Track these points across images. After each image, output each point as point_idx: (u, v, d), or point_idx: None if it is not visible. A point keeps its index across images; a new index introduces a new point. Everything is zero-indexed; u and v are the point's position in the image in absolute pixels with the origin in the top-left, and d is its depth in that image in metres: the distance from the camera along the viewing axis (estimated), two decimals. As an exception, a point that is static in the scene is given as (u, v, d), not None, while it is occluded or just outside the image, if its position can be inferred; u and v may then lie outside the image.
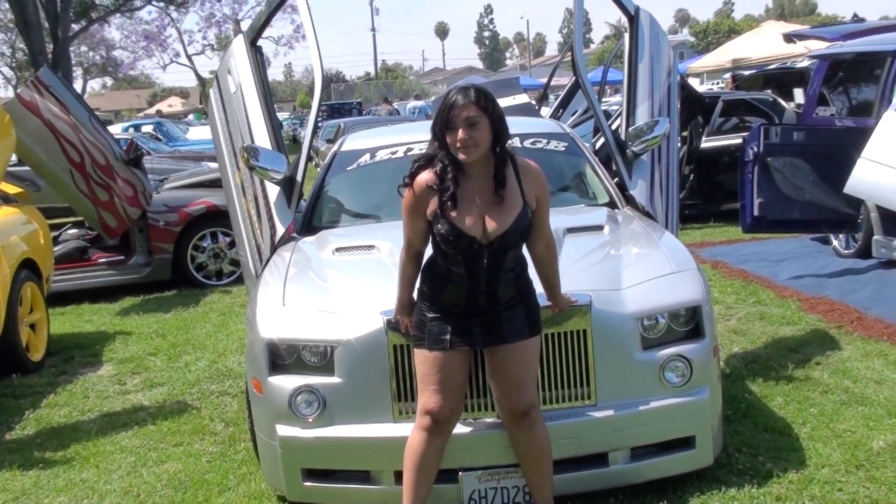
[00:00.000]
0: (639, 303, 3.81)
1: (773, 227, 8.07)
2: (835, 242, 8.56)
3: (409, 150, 5.30)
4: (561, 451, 3.62)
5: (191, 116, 49.00)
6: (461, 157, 3.27)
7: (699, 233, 10.44)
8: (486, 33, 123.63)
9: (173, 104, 62.49)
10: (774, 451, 4.16)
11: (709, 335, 3.89)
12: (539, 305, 3.50)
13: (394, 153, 5.37)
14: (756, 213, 7.65)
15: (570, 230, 4.42)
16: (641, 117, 5.24)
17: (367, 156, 5.44)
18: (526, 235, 3.39)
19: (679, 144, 11.25)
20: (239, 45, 5.33)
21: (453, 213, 3.30)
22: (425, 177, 3.36)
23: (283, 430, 3.73)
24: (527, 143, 5.34)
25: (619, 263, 4.10)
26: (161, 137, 24.29)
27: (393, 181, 5.45)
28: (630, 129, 5.14)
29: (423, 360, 3.41)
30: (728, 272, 8.20)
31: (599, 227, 4.53)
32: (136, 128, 25.56)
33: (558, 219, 4.59)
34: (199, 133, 26.93)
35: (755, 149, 7.60)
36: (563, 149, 5.42)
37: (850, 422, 4.45)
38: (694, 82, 28.18)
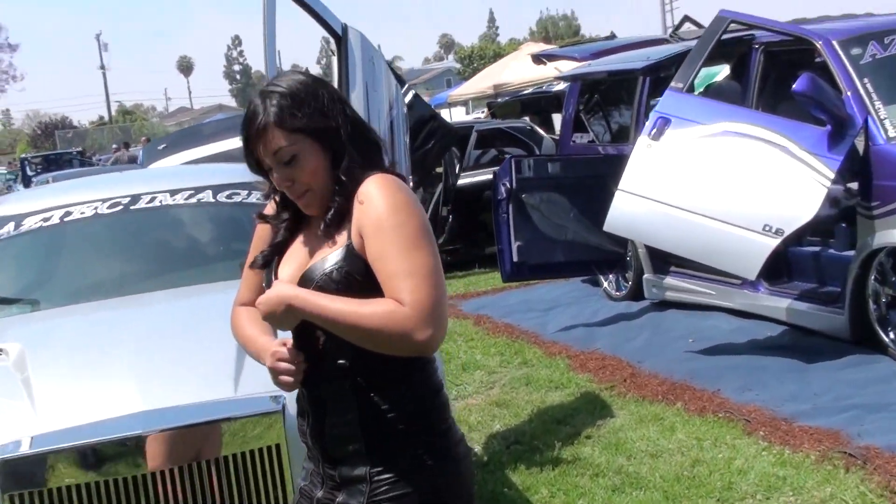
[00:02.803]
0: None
1: (535, 273, 7.79)
2: (605, 284, 8.41)
3: (68, 214, 4.48)
4: None
5: None
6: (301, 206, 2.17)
7: (462, 282, 10.09)
8: (237, 66, 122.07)
9: None
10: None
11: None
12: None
13: (46, 220, 4.51)
14: (515, 258, 7.32)
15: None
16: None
17: (11, 225, 4.54)
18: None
19: (432, 185, 10.98)
20: None
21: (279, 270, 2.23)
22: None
23: None
24: (221, 197, 4.67)
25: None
26: None
27: (48, 254, 4.74)
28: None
29: None
30: (493, 328, 7.82)
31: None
32: None
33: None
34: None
35: (507, 185, 7.29)
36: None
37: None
38: (459, 111, 28.64)
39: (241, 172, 5.24)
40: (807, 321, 6.33)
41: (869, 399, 5.02)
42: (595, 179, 7.38)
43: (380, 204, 2.01)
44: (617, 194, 6.29)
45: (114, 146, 32.00)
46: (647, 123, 6.43)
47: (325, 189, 2.10)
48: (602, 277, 8.37)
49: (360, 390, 2.07)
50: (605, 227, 6.36)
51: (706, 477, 4.33)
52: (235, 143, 7.36)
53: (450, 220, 10.72)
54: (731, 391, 5.43)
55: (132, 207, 4.56)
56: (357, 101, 4.73)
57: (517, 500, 4.29)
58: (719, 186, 5.99)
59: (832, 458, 4.35)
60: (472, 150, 11.25)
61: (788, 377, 5.57)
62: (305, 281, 2.09)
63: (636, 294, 7.95)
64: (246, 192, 4.77)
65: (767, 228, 5.77)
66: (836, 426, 4.69)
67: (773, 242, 5.71)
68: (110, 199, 4.59)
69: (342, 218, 2.10)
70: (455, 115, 25.76)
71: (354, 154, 2.09)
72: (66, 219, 4.50)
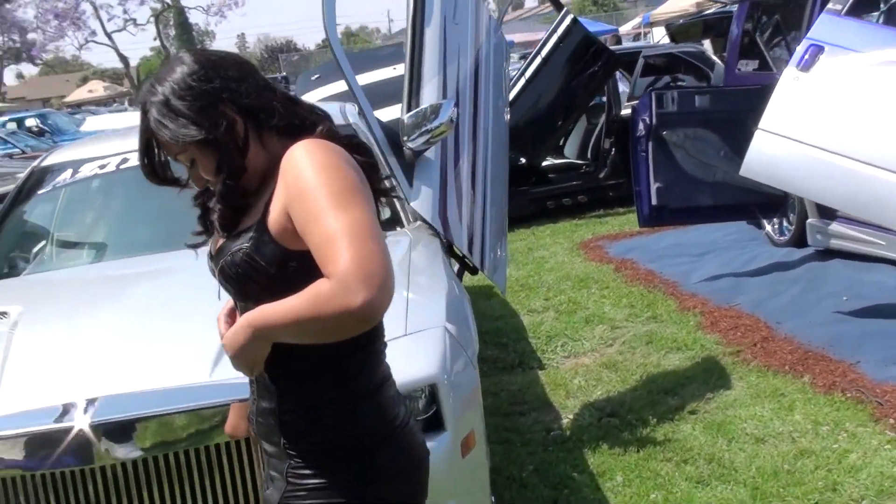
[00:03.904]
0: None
1: (678, 218, 7.15)
2: (768, 228, 7.64)
3: (125, 161, 4.35)
4: None
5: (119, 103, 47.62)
6: None
7: (620, 220, 9.51)
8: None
9: (94, 89, 60.96)
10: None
11: (452, 426, 2.93)
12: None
13: (102, 167, 4.40)
14: (654, 201, 6.73)
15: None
16: (427, 100, 4.25)
17: (69, 172, 4.46)
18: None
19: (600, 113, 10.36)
20: None
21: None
22: None
23: None
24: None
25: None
26: (47, 130, 23.14)
27: (101, 206, 4.63)
28: (406, 116, 4.16)
29: None
30: (633, 275, 7.27)
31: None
32: (19, 122, 24.36)
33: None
34: (100, 123, 25.75)
35: (647, 121, 6.67)
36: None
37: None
38: (660, 33, 27.28)
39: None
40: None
41: None
42: (750, 113, 6.60)
43: (300, 167, 1.71)
44: (757, 134, 5.58)
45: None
46: (796, 52, 5.64)
47: (253, 173, 1.84)
48: (765, 220, 7.61)
49: (281, 379, 1.81)
50: (742, 172, 5.67)
51: (809, 473, 3.75)
52: (388, 72, 7.01)
53: (612, 152, 10.11)
54: (871, 364, 4.73)
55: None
56: (431, 36, 4.32)
57: (584, 487, 3.87)
58: (878, 126, 5.18)
59: (967, 459, 3.67)
60: (639, 77, 10.53)
61: (946, 350, 4.81)
62: (222, 275, 1.84)
63: (799, 240, 7.16)
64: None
65: (927, 175, 4.95)
66: (983, 417, 3.97)
67: (938, 192, 4.90)
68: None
69: (259, 197, 1.83)
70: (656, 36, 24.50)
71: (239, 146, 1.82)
72: (122, 166, 4.37)
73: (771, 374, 4.86)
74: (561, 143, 11.08)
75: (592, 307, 6.51)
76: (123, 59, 54.31)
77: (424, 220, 4.10)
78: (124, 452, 2.62)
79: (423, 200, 4.09)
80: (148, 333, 3.16)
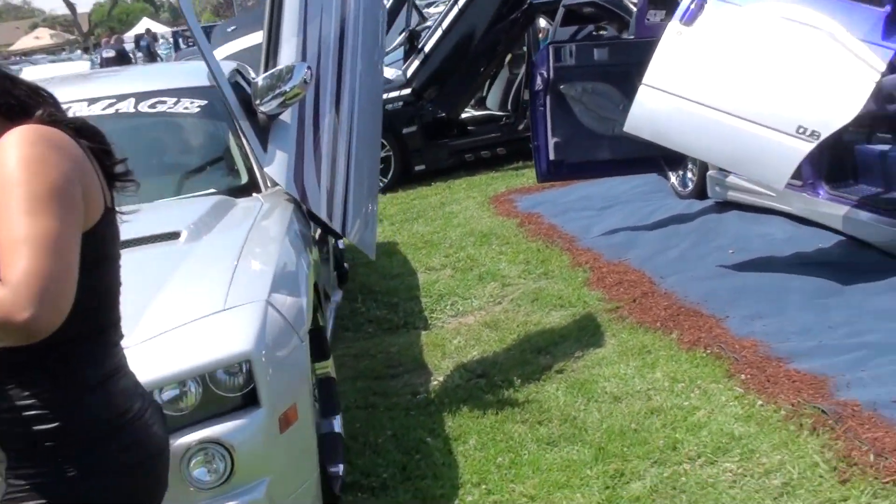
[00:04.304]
0: (153, 366, 2.84)
1: (575, 172, 7.18)
2: (672, 180, 7.69)
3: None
4: None
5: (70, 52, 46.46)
6: None
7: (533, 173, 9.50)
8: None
9: (41, 36, 59.64)
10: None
11: (268, 402, 2.94)
12: None
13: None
14: (552, 156, 6.74)
15: (122, 244, 3.44)
16: (284, 61, 4.21)
17: None
18: None
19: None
20: None
21: None
22: None
23: None
24: (143, 106, 4.35)
25: (154, 300, 3.13)
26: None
27: None
28: (259, 78, 4.12)
29: None
30: (535, 230, 7.30)
31: (173, 236, 3.55)
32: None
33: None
34: (39, 73, 25.20)
35: (545, 74, 6.65)
36: (197, 111, 4.41)
37: (532, 481, 3.58)
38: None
39: (171, 76, 4.91)
40: (864, 233, 5.55)
41: (886, 337, 4.31)
42: (645, 67, 6.61)
43: (5, 160, 1.63)
44: (641, 89, 5.59)
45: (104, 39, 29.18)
46: (681, 5, 5.62)
47: None
48: (671, 172, 7.66)
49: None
50: (626, 128, 5.68)
51: (655, 431, 3.82)
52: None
53: (531, 104, 10.08)
54: (738, 320, 4.81)
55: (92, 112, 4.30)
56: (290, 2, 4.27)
57: (436, 451, 3.91)
58: (752, 81, 5.19)
59: (803, 414, 3.74)
60: (559, 27, 10.45)
61: (812, 304, 4.88)
62: None
63: (701, 192, 7.23)
64: (174, 99, 4.44)
65: (801, 130, 4.98)
66: (828, 371, 4.04)
67: (807, 147, 4.94)
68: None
69: None
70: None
71: None
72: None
73: (642, 330, 4.93)
74: (483, 94, 11.05)
75: (489, 264, 6.54)
76: (70, 5, 53.19)
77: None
78: None
79: (277, 165, 4.07)
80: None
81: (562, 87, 6.71)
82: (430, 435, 4.06)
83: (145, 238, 3.51)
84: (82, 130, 1.80)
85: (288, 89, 4.03)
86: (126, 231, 3.58)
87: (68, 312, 1.59)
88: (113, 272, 1.85)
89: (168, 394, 2.86)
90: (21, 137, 1.65)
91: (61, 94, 2.15)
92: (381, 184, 9.52)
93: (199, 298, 3.12)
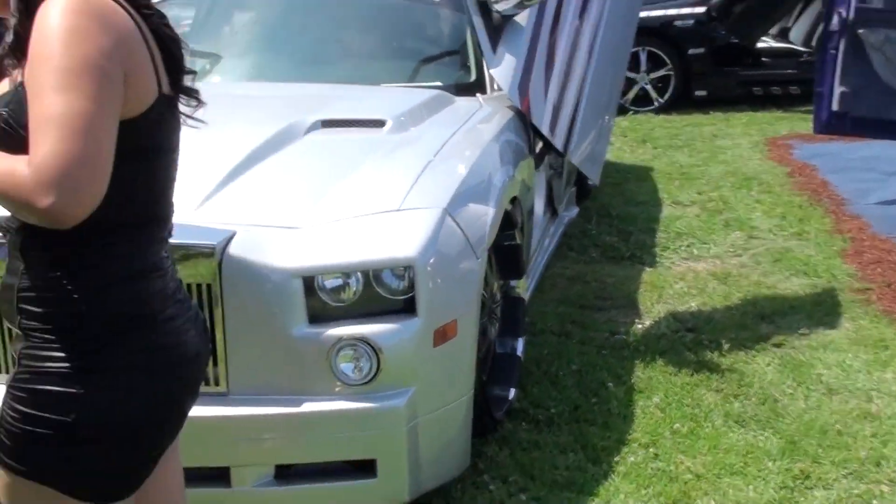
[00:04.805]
0: (311, 252, 2.77)
1: (860, 128, 6.41)
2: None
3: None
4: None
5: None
6: None
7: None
8: None
9: None
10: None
11: (425, 313, 2.80)
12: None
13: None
14: (836, 107, 6.06)
15: (327, 124, 3.39)
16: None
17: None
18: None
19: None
20: None
21: None
22: None
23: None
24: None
25: (336, 186, 3.04)
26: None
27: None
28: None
29: None
30: (804, 184, 6.70)
31: (378, 124, 3.44)
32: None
33: (328, 103, 3.62)
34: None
35: (843, 14, 5.94)
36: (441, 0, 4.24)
37: (705, 458, 3.26)
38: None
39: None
40: None
41: None
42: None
43: (42, 29, 1.48)
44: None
45: None
46: None
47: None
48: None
49: (25, 251, 1.64)
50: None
51: (860, 439, 3.38)
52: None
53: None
54: None
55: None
56: None
57: (614, 400, 3.65)
58: None
59: None
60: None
61: None
62: None
63: None
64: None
65: None
66: None
67: None
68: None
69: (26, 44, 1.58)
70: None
71: None
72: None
73: (887, 321, 4.38)
74: (789, 24, 10.19)
75: (740, 211, 6.07)
76: None
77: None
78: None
79: (503, 69, 3.85)
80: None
81: (861, 30, 5.97)
82: (614, 380, 3.81)
83: (350, 121, 3.45)
84: (142, 9, 1.62)
85: (524, -10, 3.78)
86: (336, 110, 3.57)
87: (99, 201, 1.46)
88: (163, 165, 1.68)
89: (330, 282, 2.79)
90: (62, 5, 1.49)
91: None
92: (657, 103, 9.10)
93: (378, 193, 3.01)
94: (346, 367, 2.76)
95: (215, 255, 2.67)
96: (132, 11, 1.56)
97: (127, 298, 1.64)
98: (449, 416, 2.98)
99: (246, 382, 2.75)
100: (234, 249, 2.70)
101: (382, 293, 2.80)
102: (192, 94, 1.71)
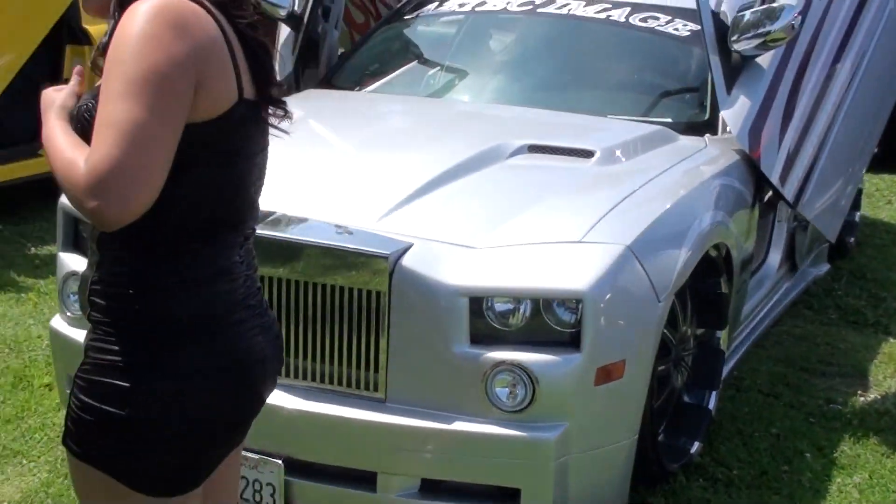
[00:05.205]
0: (482, 273, 2.79)
1: None
2: None
3: (482, 3, 4.43)
4: (318, 452, 2.87)
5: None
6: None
7: None
8: None
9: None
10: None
11: (589, 349, 2.75)
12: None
13: (462, 5, 4.51)
14: None
15: (534, 149, 3.40)
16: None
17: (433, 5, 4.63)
18: None
19: None
20: None
21: None
22: None
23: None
24: (634, 19, 4.18)
25: (524, 210, 3.04)
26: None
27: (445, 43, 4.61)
28: (747, 12, 3.70)
29: None
30: None
31: (587, 154, 3.40)
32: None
33: (543, 129, 3.64)
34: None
35: None
36: (686, 34, 4.12)
37: None
38: None
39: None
40: None
41: None
42: None
43: (121, 33, 1.55)
44: None
45: None
46: None
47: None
48: None
49: (100, 244, 1.71)
50: None
51: None
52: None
53: None
54: None
55: (540, 10, 4.30)
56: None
57: (809, 472, 3.38)
58: None
59: None
60: None
61: None
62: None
63: None
64: (667, 17, 4.20)
65: None
66: None
67: None
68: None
69: None
70: None
71: None
72: (477, 8, 4.44)
73: None
74: None
75: None
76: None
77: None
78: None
79: (736, 111, 3.69)
80: (375, 168, 3.29)
81: None
82: (814, 451, 3.54)
83: (558, 148, 3.44)
84: (231, 10, 1.64)
85: (773, 30, 3.59)
86: (548, 137, 3.57)
87: (146, 208, 1.50)
88: (239, 169, 1.68)
89: (500, 305, 2.80)
90: (142, 10, 1.54)
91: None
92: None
93: (563, 223, 2.98)
94: (501, 391, 2.76)
95: (388, 264, 2.75)
96: (219, 17, 1.61)
97: (190, 300, 1.66)
98: (606, 458, 2.90)
99: (403, 392, 2.82)
100: (408, 261, 2.77)
101: (550, 323, 2.78)
102: (278, 104, 1.73)
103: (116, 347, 1.64)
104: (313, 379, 2.86)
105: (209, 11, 1.59)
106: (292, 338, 2.84)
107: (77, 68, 1.83)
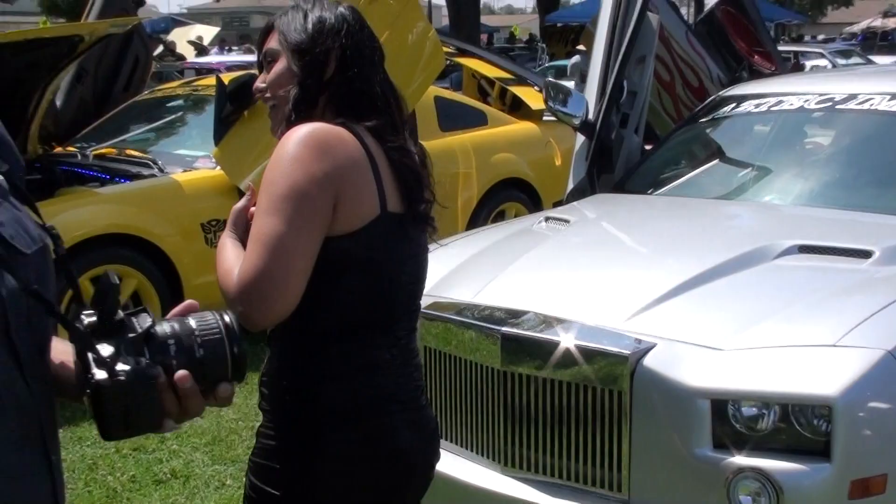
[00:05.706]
0: (726, 375, 2.73)
1: None
2: None
3: (779, 102, 4.33)
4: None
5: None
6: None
7: None
8: None
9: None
10: None
11: (841, 460, 2.58)
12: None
13: (758, 105, 4.42)
14: None
15: (805, 249, 3.26)
16: None
17: (731, 105, 4.57)
18: None
19: None
20: None
21: None
22: None
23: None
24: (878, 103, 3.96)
25: (781, 310, 2.93)
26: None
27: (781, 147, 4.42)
28: None
29: None
30: None
31: (864, 254, 3.20)
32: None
33: (821, 228, 3.48)
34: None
35: None
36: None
37: None
38: None
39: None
40: None
41: None
42: None
43: (275, 155, 1.77)
44: None
45: None
46: None
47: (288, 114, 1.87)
48: None
49: (269, 340, 1.93)
50: None
51: None
52: None
53: None
54: None
55: (838, 107, 4.13)
56: None
57: None
58: None
59: None
60: None
61: None
62: None
63: None
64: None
65: None
66: None
67: None
68: (825, 94, 4.22)
69: None
70: None
71: (313, 90, 1.83)
72: (774, 108, 4.34)
73: None
74: None
75: None
76: None
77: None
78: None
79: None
80: (633, 270, 3.33)
81: None
82: None
83: (832, 248, 3.28)
84: (382, 133, 1.80)
85: None
86: (824, 234, 3.41)
87: (288, 313, 1.69)
88: (385, 275, 1.81)
89: (746, 410, 2.72)
90: (294, 134, 1.74)
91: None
92: None
93: (819, 325, 2.84)
94: (745, 499, 2.66)
95: (628, 363, 2.77)
96: (368, 141, 1.79)
97: (336, 392, 1.82)
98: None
99: (646, 493, 2.80)
100: (650, 361, 2.78)
101: (799, 430, 2.65)
102: (424, 220, 1.87)
103: (276, 433, 1.86)
104: (554, 475, 2.91)
105: (357, 135, 1.78)
106: (539, 434, 2.92)
107: (249, 185, 2.11)
